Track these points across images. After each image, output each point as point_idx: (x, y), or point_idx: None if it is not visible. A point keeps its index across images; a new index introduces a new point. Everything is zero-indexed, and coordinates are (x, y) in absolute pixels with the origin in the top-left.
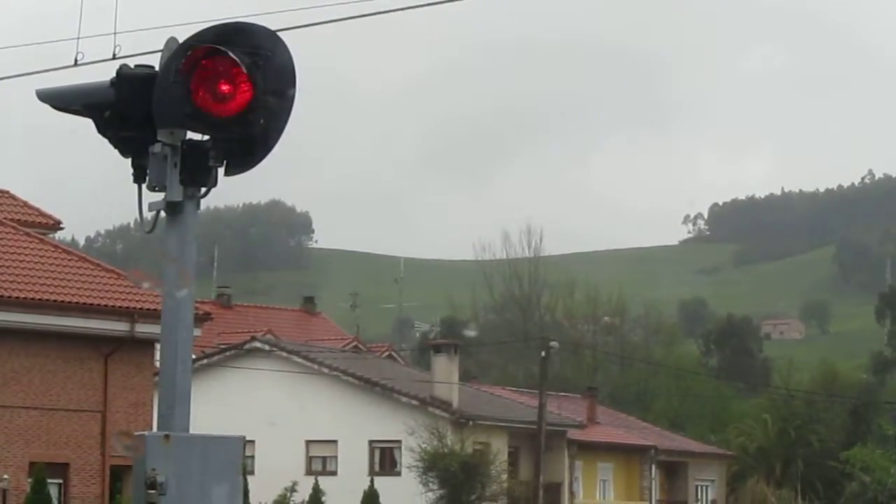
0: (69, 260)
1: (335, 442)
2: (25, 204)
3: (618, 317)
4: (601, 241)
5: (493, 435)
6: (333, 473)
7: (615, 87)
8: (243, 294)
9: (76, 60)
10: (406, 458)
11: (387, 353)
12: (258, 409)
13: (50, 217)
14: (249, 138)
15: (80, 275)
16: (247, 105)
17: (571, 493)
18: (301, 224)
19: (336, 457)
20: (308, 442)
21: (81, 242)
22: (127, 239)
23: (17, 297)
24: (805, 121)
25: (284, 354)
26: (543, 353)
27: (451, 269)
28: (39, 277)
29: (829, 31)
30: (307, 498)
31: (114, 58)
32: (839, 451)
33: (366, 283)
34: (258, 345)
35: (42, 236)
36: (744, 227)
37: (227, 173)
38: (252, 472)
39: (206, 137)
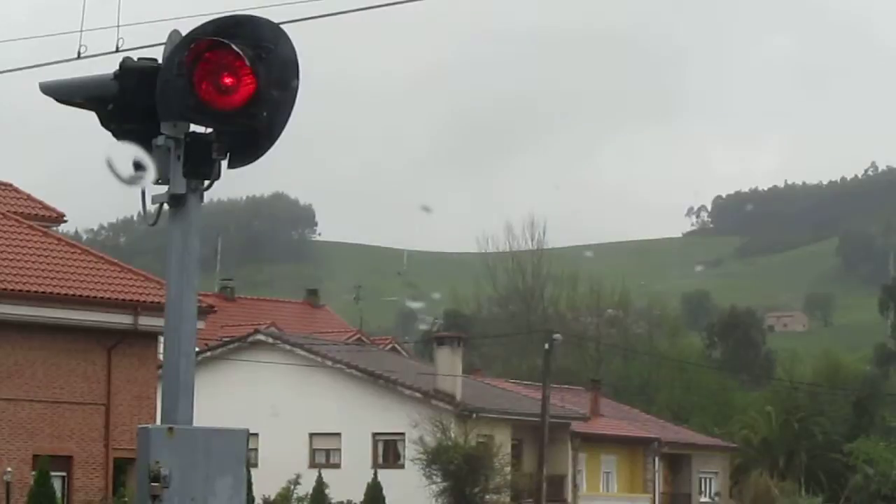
0: (72, 253)
1: (339, 434)
2: (29, 197)
3: (621, 309)
4: (604, 234)
5: (497, 427)
6: (337, 466)
7: (620, 78)
8: (247, 286)
9: (79, 53)
10: (409, 451)
11: (390, 346)
12: (262, 401)
13: (53, 210)
14: (253, 131)
15: (84, 268)
16: (250, 97)
17: (575, 486)
18: (304, 217)
19: (339, 449)
20: (311, 434)
21: (84, 235)
22: (130, 232)
23: (21, 290)
24: (809, 113)
25: (288, 347)
26: (547, 346)
27: (455, 261)
28: (43, 270)
29: (833, 23)
30: (311, 490)
31: (117, 51)
32: (843, 444)
33: (369, 275)
34: (261, 337)
35: (45, 229)
36: (747, 220)
37: (230, 166)
38: (255, 465)
39: (210, 130)
